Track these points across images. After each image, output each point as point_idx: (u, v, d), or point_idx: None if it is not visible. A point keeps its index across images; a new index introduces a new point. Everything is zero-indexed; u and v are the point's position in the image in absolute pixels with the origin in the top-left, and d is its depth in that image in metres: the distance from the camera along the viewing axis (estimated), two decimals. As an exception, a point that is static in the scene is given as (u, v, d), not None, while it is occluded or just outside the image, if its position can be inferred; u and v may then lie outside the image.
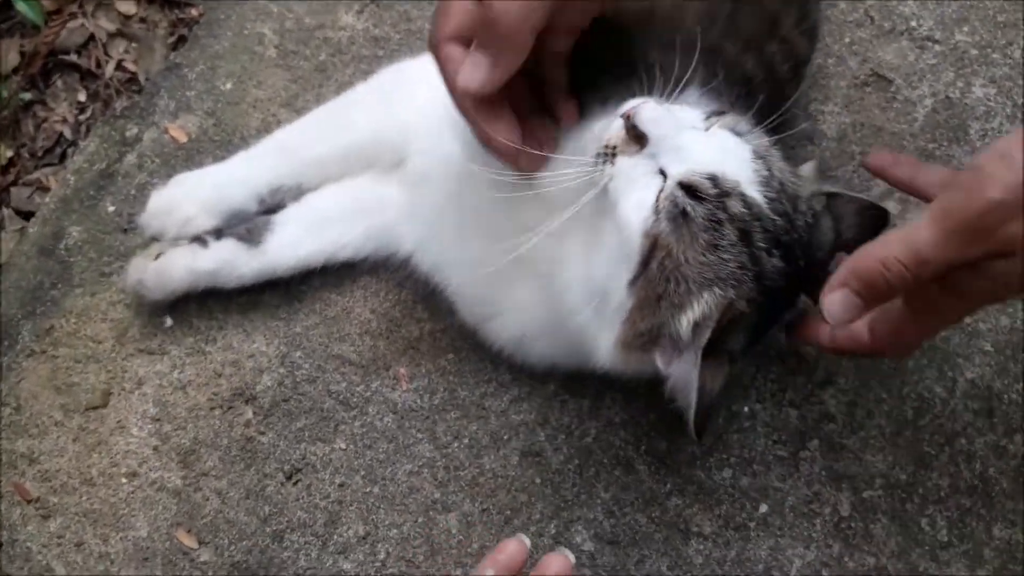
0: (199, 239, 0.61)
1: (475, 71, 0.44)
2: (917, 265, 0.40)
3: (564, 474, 0.62)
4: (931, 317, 0.45)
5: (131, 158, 0.69)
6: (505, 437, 0.62)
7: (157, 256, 0.62)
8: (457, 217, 0.56)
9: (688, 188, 0.44)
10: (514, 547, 0.49)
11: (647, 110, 0.45)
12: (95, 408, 0.62)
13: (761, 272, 0.45)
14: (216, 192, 0.62)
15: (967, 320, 0.67)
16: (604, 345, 0.48)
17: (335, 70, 0.71)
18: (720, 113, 0.48)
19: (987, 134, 0.69)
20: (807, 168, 0.50)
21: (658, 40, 0.50)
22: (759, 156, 0.46)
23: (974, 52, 0.71)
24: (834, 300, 0.42)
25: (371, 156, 0.62)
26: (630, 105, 0.46)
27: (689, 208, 0.44)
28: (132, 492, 0.60)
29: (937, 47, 0.71)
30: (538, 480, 0.62)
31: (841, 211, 0.49)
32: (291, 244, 0.62)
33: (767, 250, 0.45)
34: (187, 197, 0.62)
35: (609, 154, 0.46)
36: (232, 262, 0.61)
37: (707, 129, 0.47)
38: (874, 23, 0.72)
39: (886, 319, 0.47)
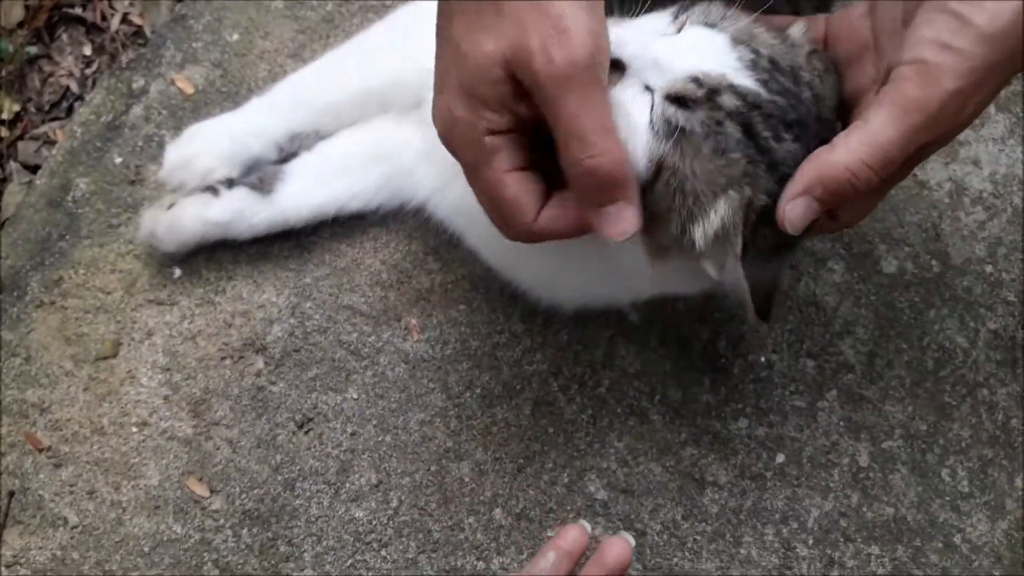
0: (211, 188, 0.60)
1: (619, 222, 0.41)
2: (885, 166, 0.40)
3: (577, 424, 0.61)
4: (883, 190, 0.45)
5: (138, 110, 0.68)
6: (517, 387, 0.62)
7: (169, 206, 0.61)
8: None
9: (676, 99, 0.42)
10: (575, 533, 0.48)
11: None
12: (105, 358, 0.62)
13: (773, 160, 0.42)
14: (235, 144, 0.61)
15: (989, 270, 0.65)
16: (639, 264, 0.47)
17: (342, 19, 0.69)
18: (687, 6, 0.45)
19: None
20: (796, 31, 0.46)
21: None
22: (739, 41, 0.43)
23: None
24: (796, 208, 0.41)
25: (388, 99, 0.60)
26: None
27: (683, 121, 0.42)
28: (143, 441, 0.60)
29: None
30: (551, 430, 0.61)
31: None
32: (303, 193, 0.61)
33: (775, 136, 0.42)
34: (206, 150, 0.60)
35: None
36: (244, 212, 0.60)
37: (678, 31, 0.44)
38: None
39: None
